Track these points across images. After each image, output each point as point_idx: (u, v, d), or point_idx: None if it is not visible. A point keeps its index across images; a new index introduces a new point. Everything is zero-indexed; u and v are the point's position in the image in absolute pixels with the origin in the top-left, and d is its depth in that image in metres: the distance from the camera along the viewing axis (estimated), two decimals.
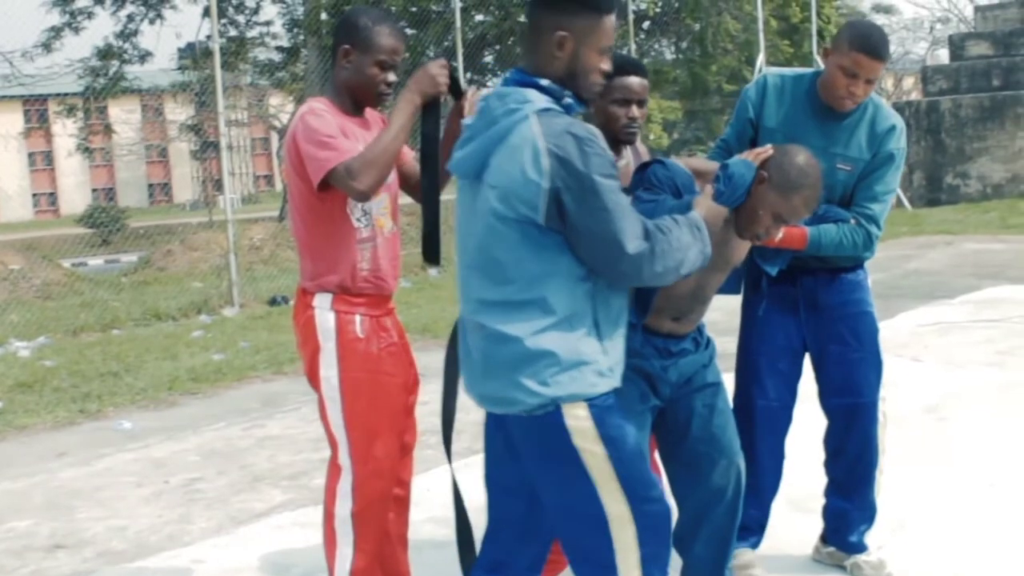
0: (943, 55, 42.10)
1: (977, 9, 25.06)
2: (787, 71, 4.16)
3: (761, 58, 20.69)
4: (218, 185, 30.77)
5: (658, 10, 24.73)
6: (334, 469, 3.64)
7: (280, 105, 42.40)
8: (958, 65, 21.82)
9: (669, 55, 27.89)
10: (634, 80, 3.67)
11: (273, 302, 12.24)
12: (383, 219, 3.64)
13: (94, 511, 5.55)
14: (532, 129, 2.74)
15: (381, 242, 3.62)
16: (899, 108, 22.21)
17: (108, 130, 31.14)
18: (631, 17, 20.72)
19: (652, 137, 26.70)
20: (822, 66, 3.98)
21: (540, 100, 2.80)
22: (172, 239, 17.87)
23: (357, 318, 3.57)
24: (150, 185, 54.88)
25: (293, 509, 5.40)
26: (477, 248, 2.88)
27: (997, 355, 7.84)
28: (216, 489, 5.81)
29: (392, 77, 3.58)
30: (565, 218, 2.74)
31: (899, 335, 8.58)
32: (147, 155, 51.29)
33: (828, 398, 4.15)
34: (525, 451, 2.95)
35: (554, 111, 2.80)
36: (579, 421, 2.82)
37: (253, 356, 9.17)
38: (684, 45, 26.89)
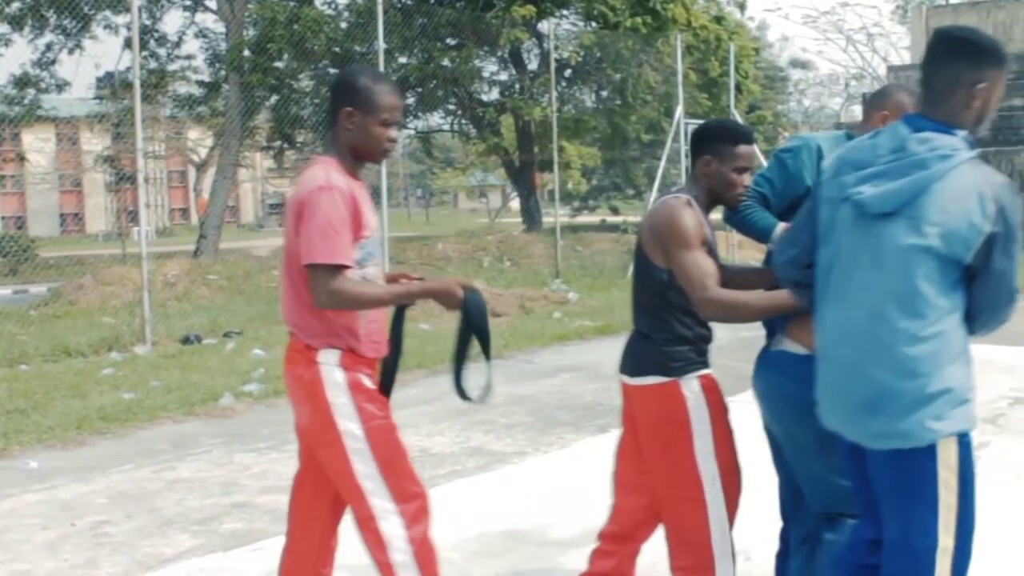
0: (857, 111, 43.12)
1: (890, 68, 25.78)
2: (819, 135, 4.28)
3: (680, 110, 21.06)
4: (133, 216, 30.41)
5: (580, 59, 25.03)
6: (371, 519, 3.60)
7: (199, 139, 42.07)
8: None
9: (590, 103, 28.23)
10: (752, 149, 3.86)
11: (186, 341, 12.11)
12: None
13: None
14: (974, 176, 3.00)
15: (379, 308, 3.67)
16: None
17: (21, 158, 30.68)
18: (553, 65, 20.96)
19: (571, 183, 26.99)
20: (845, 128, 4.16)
21: (965, 149, 3.03)
22: (84, 271, 17.58)
23: (363, 376, 3.62)
24: (62, 215, 54.07)
25: (202, 555, 5.36)
26: (895, 280, 3.02)
27: None
28: (124, 533, 5.74)
29: (395, 133, 3.66)
30: (986, 260, 2.99)
31: None
32: (60, 184, 50.55)
33: None
34: (887, 483, 3.12)
35: (978, 161, 3.06)
36: (950, 454, 3.04)
37: (165, 396, 9.07)
38: (605, 94, 27.22)
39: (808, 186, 4.06)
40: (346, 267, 3.49)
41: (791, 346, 3.67)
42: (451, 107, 27.80)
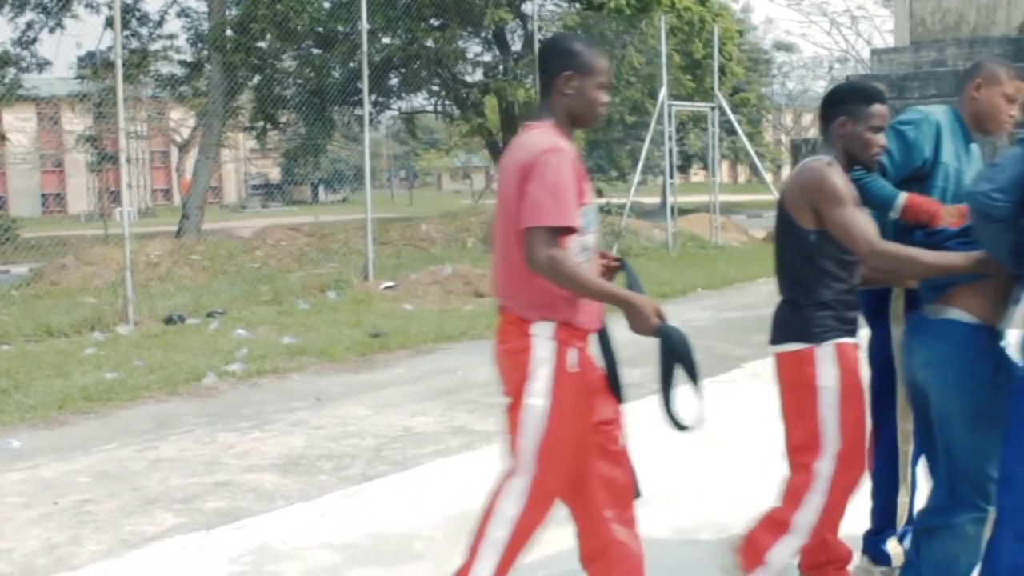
0: None
1: (873, 52, 25.71)
2: (935, 109, 4.32)
3: (663, 92, 21.03)
4: (115, 197, 30.27)
5: None
6: (500, 493, 3.56)
7: (181, 119, 41.93)
8: None
9: None
10: (886, 108, 3.89)
11: (169, 320, 12.07)
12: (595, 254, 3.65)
13: None
14: None
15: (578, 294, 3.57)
16: (797, 145, 22.73)
17: (1, 138, 30.53)
18: (537, 47, 20.92)
19: None
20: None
21: None
22: (66, 251, 17.53)
23: (574, 352, 3.51)
24: (43, 195, 53.77)
25: (185, 533, 5.36)
26: None
27: None
28: (107, 511, 5.74)
29: (607, 98, 3.64)
30: None
31: None
32: (41, 164, 50.26)
33: None
34: None
35: None
36: None
37: (147, 375, 9.06)
38: None
39: (926, 158, 4.13)
40: (571, 231, 3.41)
41: (960, 315, 3.63)
42: (435, 88, 27.74)
